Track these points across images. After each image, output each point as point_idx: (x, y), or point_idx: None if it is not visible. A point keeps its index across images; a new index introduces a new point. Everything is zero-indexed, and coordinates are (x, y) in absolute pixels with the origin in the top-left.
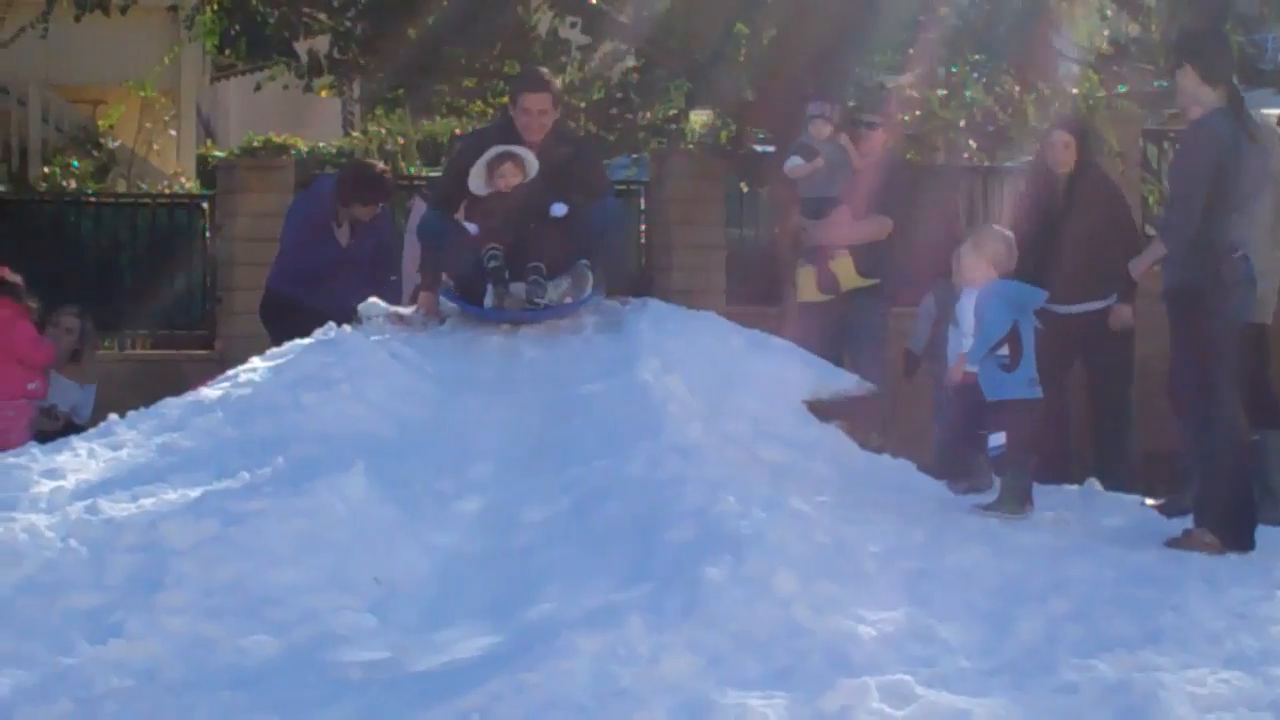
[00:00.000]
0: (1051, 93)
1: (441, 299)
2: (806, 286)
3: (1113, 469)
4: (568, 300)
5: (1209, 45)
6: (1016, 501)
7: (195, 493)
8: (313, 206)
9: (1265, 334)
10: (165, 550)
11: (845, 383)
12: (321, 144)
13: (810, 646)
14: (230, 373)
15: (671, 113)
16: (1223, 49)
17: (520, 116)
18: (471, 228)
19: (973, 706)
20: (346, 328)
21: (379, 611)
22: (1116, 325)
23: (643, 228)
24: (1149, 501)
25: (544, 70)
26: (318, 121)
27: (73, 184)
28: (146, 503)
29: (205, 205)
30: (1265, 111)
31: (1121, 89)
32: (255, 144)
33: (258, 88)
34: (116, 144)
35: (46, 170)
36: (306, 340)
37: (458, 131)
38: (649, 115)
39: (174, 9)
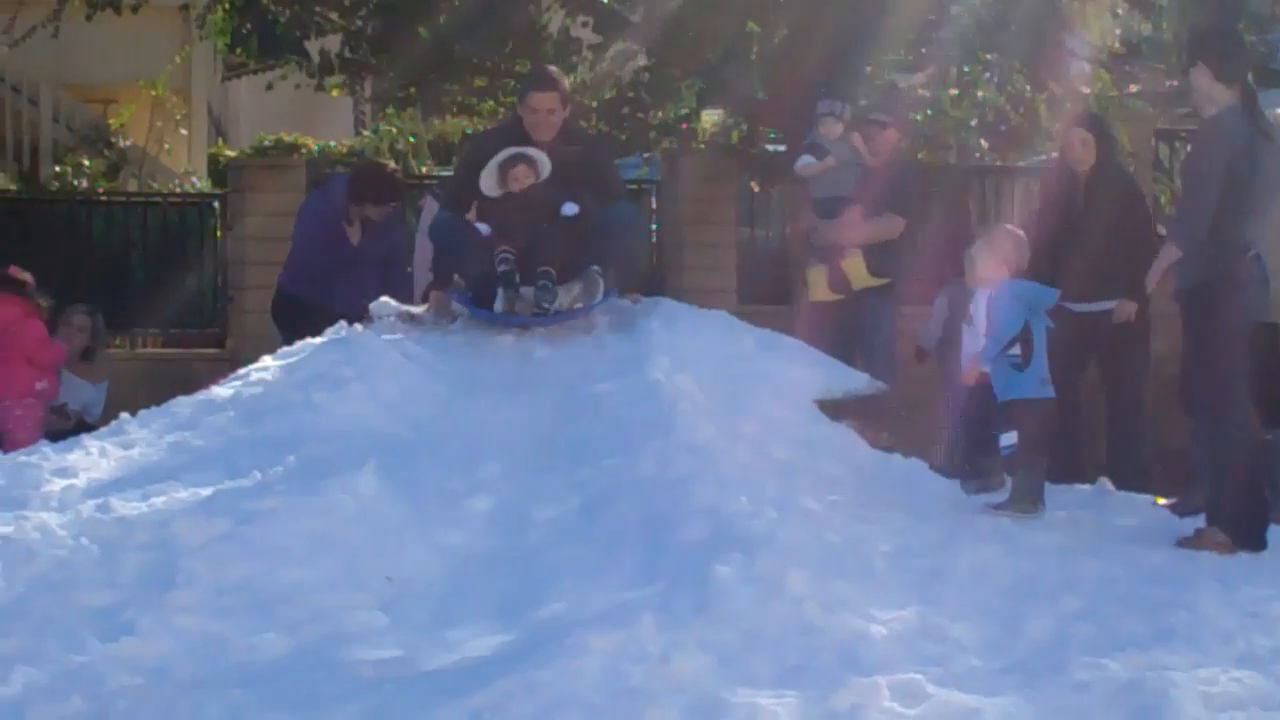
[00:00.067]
0: (1063, 92)
1: (452, 301)
2: (818, 286)
3: (1125, 468)
4: (578, 306)
5: (1223, 44)
6: (1028, 500)
7: (206, 491)
8: (324, 206)
9: (1278, 333)
10: (176, 549)
11: (856, 382)
12: (333, 143)
13: (821, 645)
14: (241, 371)
15: (683, 112)
16: (1237, 48)
17: (528, 115)
18: (483, 228)
19: (984, 705)
20: (358, 327)
21: (390, 610)
22: (1119, 319)
23: (654, 227)
24: (1160, 501)
25: (552, 69)
26: (329, 121)
27: (84, 183)
28: (158, 501)
29: (216, 204)
30: (1278, 111)
31: (1133, 88)
32: (266, 143)
33: (269, 87)
34: (127, 143)
35: (58, 169)
36: (318, 339)
37: (469, 131)
38: (660, 114)
39: (185, 8)
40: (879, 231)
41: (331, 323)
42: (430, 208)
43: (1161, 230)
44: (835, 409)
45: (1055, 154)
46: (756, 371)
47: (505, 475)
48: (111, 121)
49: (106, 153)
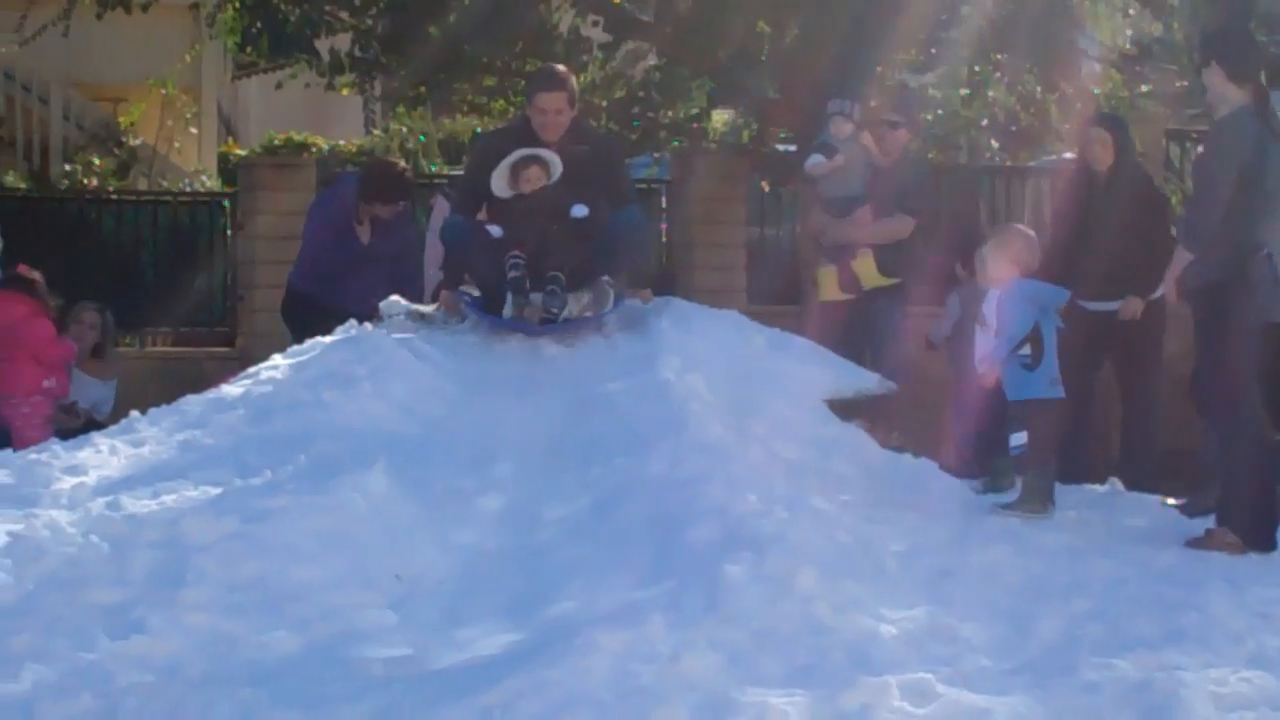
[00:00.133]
0: (1074, 92)
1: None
2: (828, 285)
3: (1137, 468)
4: (587, 315)
5: (1236, 44)
6: (1038, 501)
7: (216, 490)
8: (334, 205)
9: None
10: (186, 547)
11: (866, 382)
12: (342, 142)
13: (831, 645)
14: (251, 370)
15: (693, 112)
16: (1250, 48)
17: (536, 116)
18: (495, 230)
19: (994, 705)
20: (368, 325)
21: (400, 608)
22: (1124, 316)
23: (664, 227)
24: (1170, 501)
25: (559, 68)
26: (339, 120)
27: (94, 182)
28: (168, 499)
29: (226, 203)
30: None
31: (1144, 89)
32: (276, 142)
33: (279, 86)
34: (138, 142)
35: (68, 168)
36: (328, 338)
37: (479, 130)
38: (671, 114)
39: (195, 7)
40: (889, 231)
41: (341, 321)
42: (441, 207)
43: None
44: (845, 409)
45: (1067, 154)
46: (767, 371)
47: (515, 474)
48: (121, 120)
49: (117, 151)
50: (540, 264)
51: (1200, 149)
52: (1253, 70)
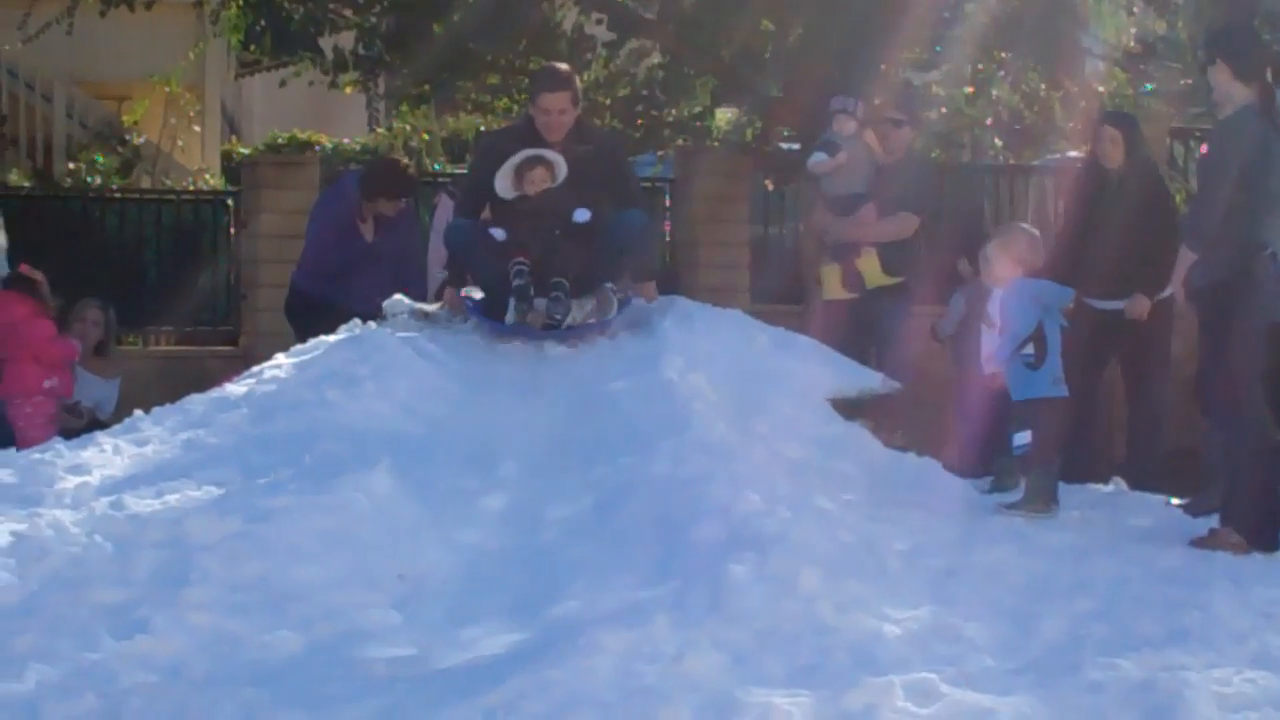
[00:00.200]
0: (1078, 91)
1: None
2: (832, 284)
3: (1142, 467)
4: (591, 321)
5: (1242, 41)
6: (1042, 500)
7: (220, 489)
8: (338, 203)
9: None
10: (190, 546)
11: (870, 381)
12: (346, 141)
13: (835, 645)
14: (255, 369)
15: (697, 110)
16: (1256, 46)
17: (539, 116)
18: (498, 234)
19: (998, 705)
20: (371, 325)
21: (403, 608)
22: (1131, 315)
23: (668, 225)
24: (1174, 501)
25: (563, 68)
26: (342, 118)
27: (97, 180)
28: (171, 499)
29: (230, 202)
30: None
31: (1148, 87)
32: (280, 141)
33: (283, 84)
34: (141, 140)
35: (71, 166)
36: (331, 337)
37: (483, 128)
38: (675, 112)
39: (199, 4)
40: (893, 230)
41: (345, 321)
42: (445, 206)
43: None
44: (849, 408)
45: (1071, 152)
46: (770, 370)
47: (519, 474)
48: (125, 118)
49: (120, 150)
50: (543, 269)
51: (1204, 147)
52: (1258, 68)
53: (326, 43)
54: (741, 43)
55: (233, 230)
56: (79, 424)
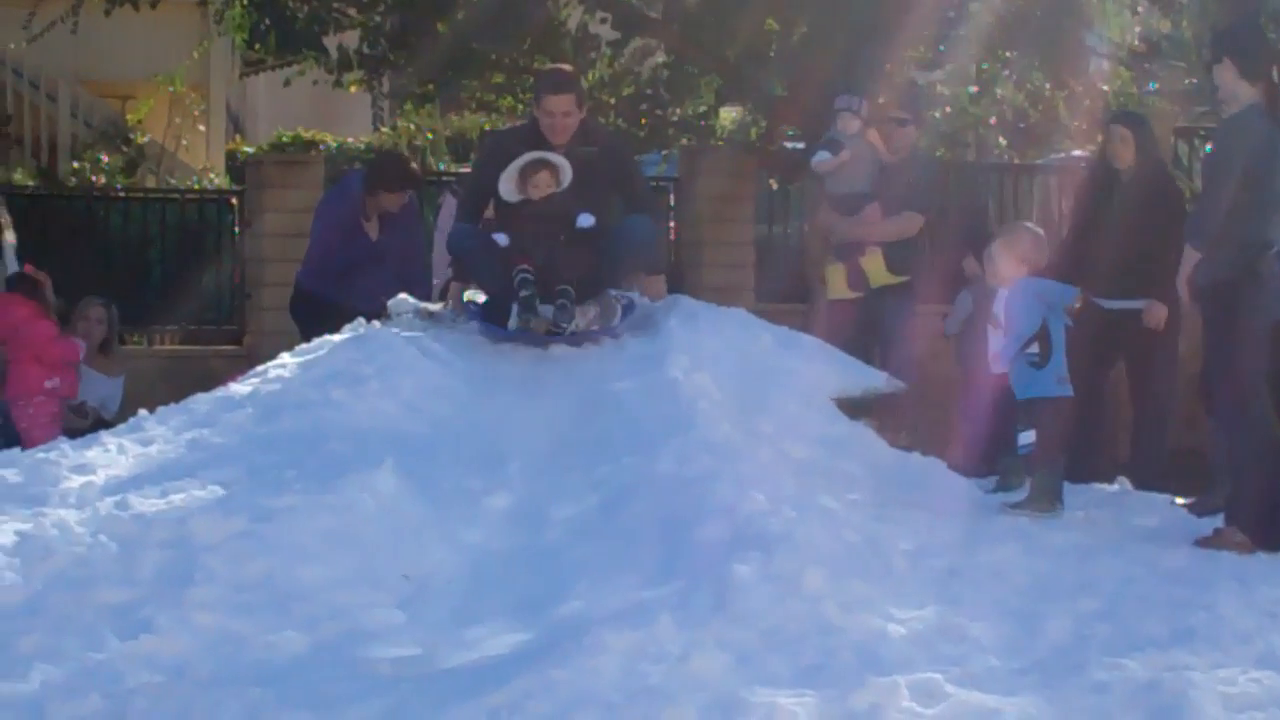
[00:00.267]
0: (1083, 90)
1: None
2: (836, 283)
3: (1147, 467)
4: (594, 328)
5: (1248, 40)
6: (1047, 500)
7: (224, 489)
8: (342, 202)
9: None
10: (195, 546)
11: (875, 380)
12: (350, 140)
13: (840, 645)
14: (260, 369)
15: (702, 109)
16: (1262, 45)
17: (543, 118)
18: (501, 239)
19: (1003, 705)
20: (376, 324)
21: (408, 608)
22: (1149, 323)
23: (672, 225)
24: (1179, 500)
25: (567, 69)
26: (347, 117)
27: (102, 179)
28: (176, 498)
29: (234, 201)
30: None
31: (1153, 86)
32: (284, 140)
33: (287, 83)
34: (145, 139)
35: (76, 165)
36: (336, 337)
37: (487, 127)
38: (679, 111)
39: (203, 4)
40: (898, 229)
41: (350, 320)
42: (449, 205)
43: None
44: (854, 407)
45: (1075, 151)
46: (775, 370)
47: (523, 473)
48: (129, 117)
49: (124, 149)
50: (547, 276)
51: (1209, 146)
52: (1264, 67)
53: (331, 42)
54: (746, 42)
55: (237, 229)
56: (84, 424)
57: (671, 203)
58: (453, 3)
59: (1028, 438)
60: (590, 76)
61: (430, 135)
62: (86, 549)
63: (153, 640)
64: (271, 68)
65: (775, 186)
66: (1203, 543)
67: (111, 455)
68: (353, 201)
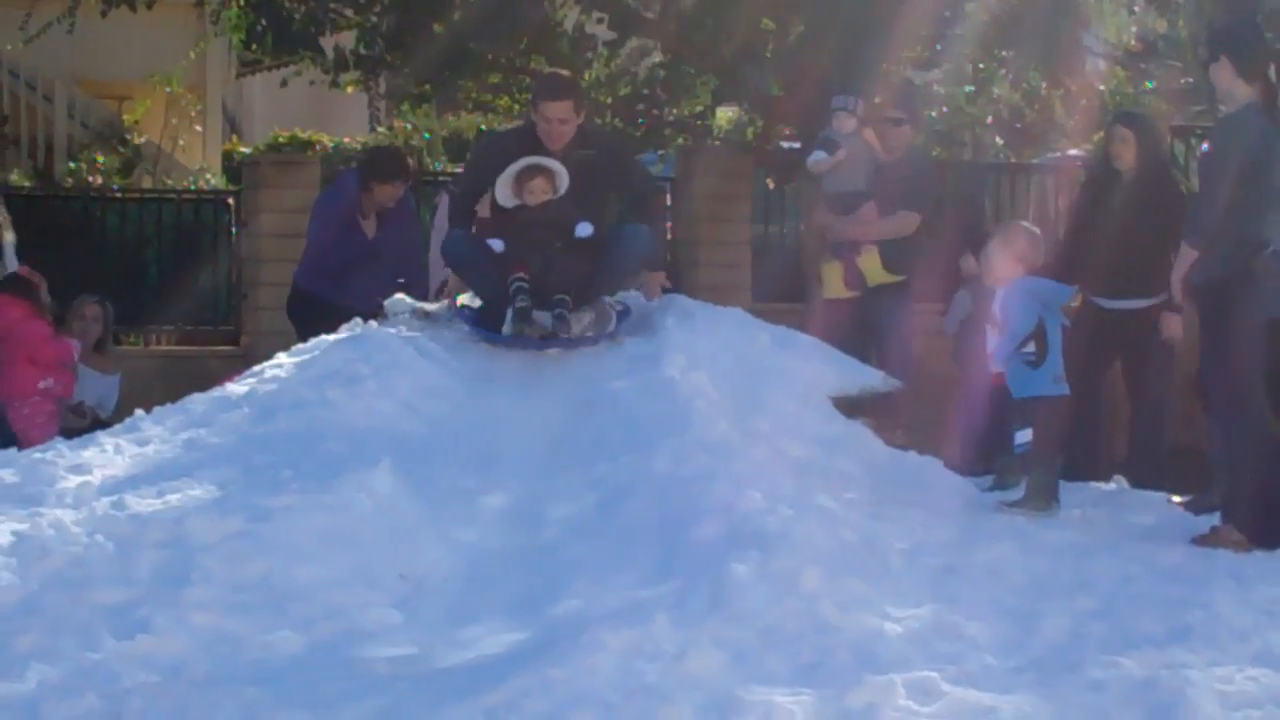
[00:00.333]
0: (1079, 89)
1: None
2: (833, 282)
3: (1144, 466)
4: (589, 334)
5: (1245, 39)
6: (1043, 498)
7: (221, 489)
8: (338, 200)
9: None
10: (191, 546)
11: (871, 379)
12: (347, 140)
13: (837, 643)
14: (256, 369)
15: (698, 109)
16: (1259, 43)
17: (540, 124)
18: (496, 245)
19: (999, 703)
20: (373, 324)
21: (405, 607)
22: (1167, 336)
23: (669, 224)
24: (1176, 499)
25: (566, 75)
26: (343, 117)
27: (98, 180)
28: (173, 498)
29: (231, 201)
30: None
31: (1149, 86)
32: (281, 140)
33: (284, 83)
34: (142, 140)
35: (72, 166)
36: (332, 336)
37: (483, 127)
38: (675, 111)
39: (200, 4)
40: (894, 228)
41: (346, 320)
42: (445, 205)
43: None
44: (850, 406)
45: (1072, 150)
46: (771, 369)
47: (520, 472)
48: (126, 118)
49: (121, 149)
50: (543, 284)
51: (1205, 145)
52: (1261, 66)
53: (327, 42)
54: (742, 41)
55: (233, 230)
56: (83, 424)
57: (668, 202)
58: (449, 3)
59: (1024, 436)
60: (587, 76)
61: (427, 136)
62: (83, 549)
63: (149, 640)
64: (268, 68)
65: (771, 186)
66: (1199, 541)
67: (108, 455)
68: (348, 199)
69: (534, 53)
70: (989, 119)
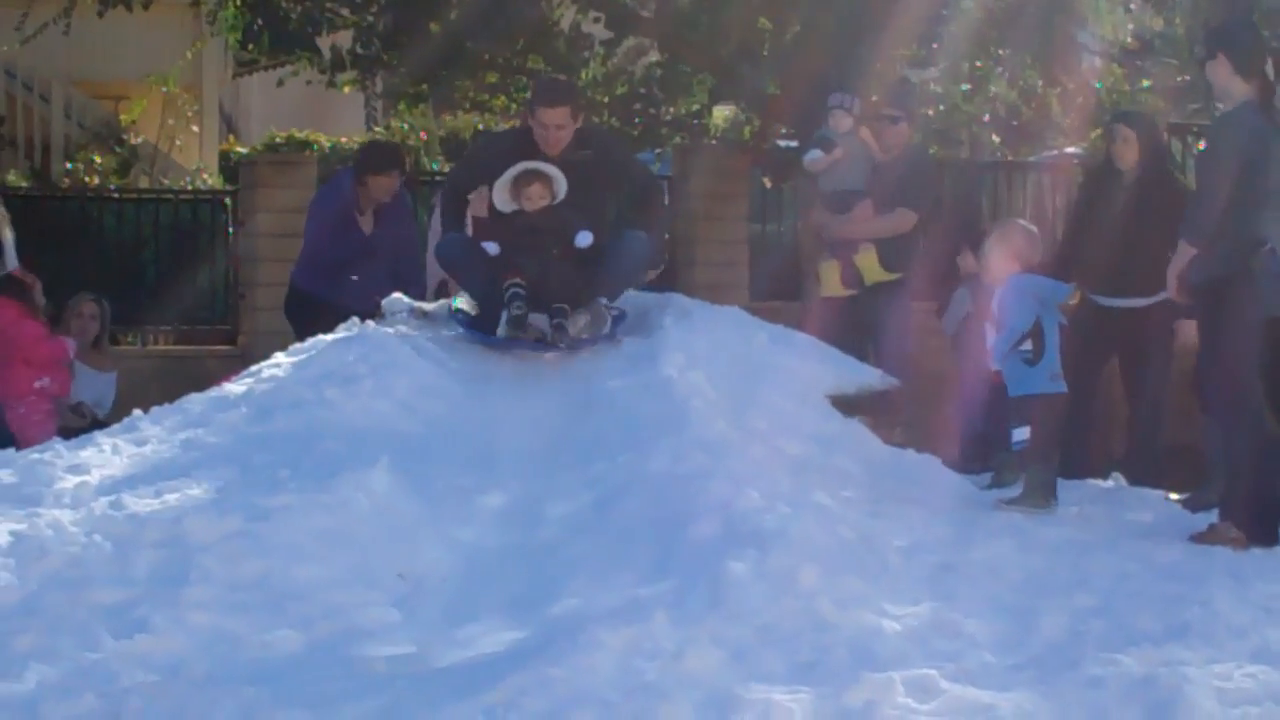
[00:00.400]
0: (1075, 87)
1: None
2: (830, 281)
3: (1140, 462)
4: (584, 337)
5: (1243, 37)
6: (1041, 496)
7: (219, 488)
8: (335, 198)
9: None
10: (189, 546)
11: (869, 377)
12: (344, 140)
13: (835, 641)
14: (254, 368)
15: (695, 108)
16: (1257, 41)
17: (537, 129)
18: (491, 247)
19: (998, 701)
20: (370, 323)
21: (403, 606)
22: (1182, 342)
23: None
24: (1173, 496)
25: (563, 81)
26: (340, 117)
27: (95, 180)
28: (171, 498)
29: (228, 201)
30: None
31: (1145, 83)
32: (278, 140)
33: (280, 83)
34: (139, 140)
35: (69, 166)
36: (330, 336)
37: (480, 127)
38: (672, 110)
39: (196, 4)
40: (891, 226)
41: (344, 319)
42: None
43: None
44: (848, 405)
45: (1069, 149)
46: (769, 367)
47: (518, 471)
48: (123, 118)
49: (118, 149)
50: (539, 289)
51: (1202, 144)
52: (1258, 64)
53: (324, 42)
54: (738, 40)
55: (230, 230)
56: (82, 424)
57: (665, 201)
58: (446, 2)
59: (1022, 434)
60: (583, 75)
61: (424, 135)
62: (81, 549)
63: (148, 640)
64: (265, 68)
65: (768, 185)
66: (1197, 538)
67: (106, 455)
68: (345, 197)
69: (530, 52)
70: (985, 117)
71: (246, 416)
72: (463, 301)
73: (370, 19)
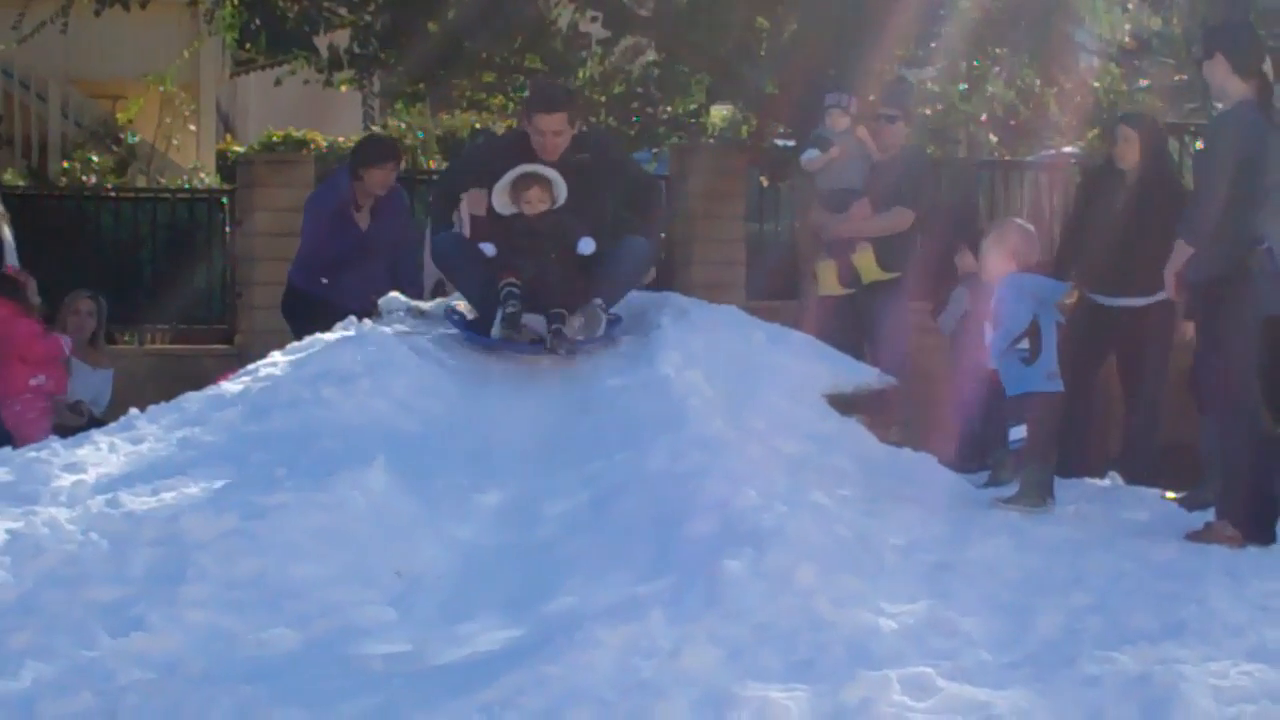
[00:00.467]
0: (1073, 87)
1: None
2: (827, 280)
3: (1137, 461)
4: (579, 339)
5: (1241, 36)
6: (1038, 495)
7: (216, 487)
8: (332, 195)
9: None
10: (186, 544)
11: (866, 376)
12: (341, 139)
13: (831, 639)
14: (251, 367)
15: (692, 107)
16: (1254, 41)
17: (534, 135)
18: (488, 249)
19: (994, 699)
20: (367, 322)
21: (400, 605)
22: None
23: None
24: (1170, 495)
25: (561, 86)
26: (337, 117)
27: (92, 179)
28: (167, 496)
29: (225, 200)
30: None
31: (1143, 83)
32: (275, 139)
33: (278, 82)
34: (136, 139)
35: (66, 165)
36: (327, 335)
37: (477, 126)
38: (670, 110)
39: (194, 3)
40: (888, 225)
41: (341, 318)
42: None
43: None
44: (845, 404)
45: (1066, 148)
46: (766, 366)
47: (515, 470)
48: (120, 117)
49: (115, 149)
50: (535, 293)
51: (1199, 143)
52: (1255, 63)
53: (321, 41)
54: (736, 40)
55: (228, 229)
56: (79, 422)
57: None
58: (443, 1)
59: (1018, 433)
60: (581, 75)
61: (420, 135)
62: (78, 547)
63: (144, 638)
64: (262, 67)
65: (766, 184)
66: (1193, 537)
67: (102, 454)
68: (341, 195)
69: (528, 51)
70: (983, 116)
71: (243, 415)
72: (464, 307)
73: (368, 18)
